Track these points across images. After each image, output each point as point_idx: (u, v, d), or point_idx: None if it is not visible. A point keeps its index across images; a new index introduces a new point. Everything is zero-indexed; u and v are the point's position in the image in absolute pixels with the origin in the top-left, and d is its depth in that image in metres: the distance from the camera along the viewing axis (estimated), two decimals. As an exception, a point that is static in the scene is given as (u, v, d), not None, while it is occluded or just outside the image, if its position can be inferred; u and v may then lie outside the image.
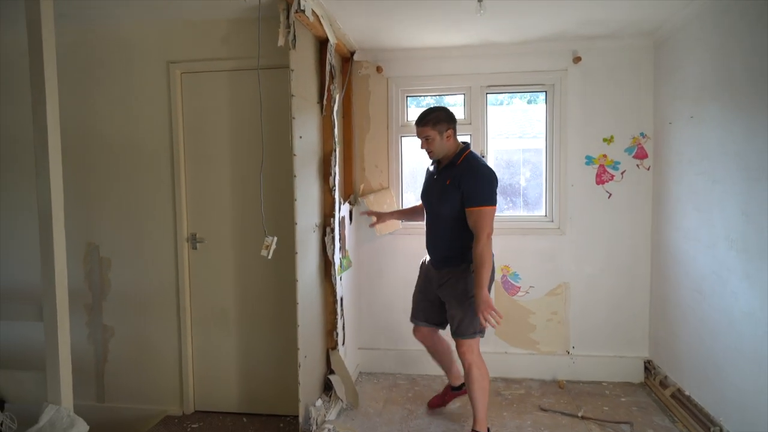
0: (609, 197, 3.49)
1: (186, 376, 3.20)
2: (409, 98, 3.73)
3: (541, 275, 3.61)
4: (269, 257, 2.27)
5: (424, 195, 2.92)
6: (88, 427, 2.35)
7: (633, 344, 3.54)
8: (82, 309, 3.23)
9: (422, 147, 2.77)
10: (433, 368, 3.72)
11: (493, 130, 3.67)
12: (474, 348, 2.75)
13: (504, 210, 3.76)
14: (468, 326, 2.72)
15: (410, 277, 3.71)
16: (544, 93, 3.56)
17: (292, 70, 2.70)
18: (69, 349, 2.37)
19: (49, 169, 2.25)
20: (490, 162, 3.67)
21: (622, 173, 3.46)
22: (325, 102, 3.14)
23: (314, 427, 2.83)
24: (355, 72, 3.64)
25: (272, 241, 2.24)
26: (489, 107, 3.62)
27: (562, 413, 3.11)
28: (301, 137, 2.80)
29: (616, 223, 3.49)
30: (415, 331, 3.10)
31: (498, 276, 3.65)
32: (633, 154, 3.44)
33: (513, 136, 3.82)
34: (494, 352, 3.68)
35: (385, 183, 3.72)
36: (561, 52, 3.44)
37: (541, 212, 3.66)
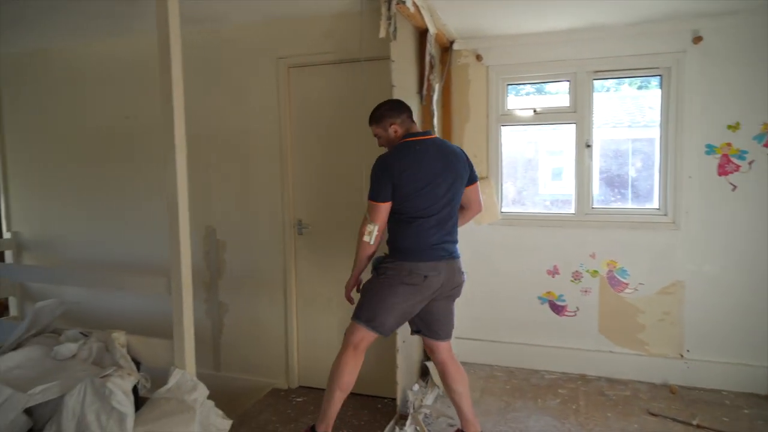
0: (733, 190, 3.19)
1: (291, 353, 3.41)
2: (509, 86, 3.66)
3: (651, 272, 3.39)
4: (371, 242, 2.36)
5: (433, 196, 2.63)
6: (208, 392, 2.59)
7: (759, 351, 3.21)
8: (201, 286, 3.55)
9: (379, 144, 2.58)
10: (532, 361, 3.66)
11: (600, 118, 3.50)
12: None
13: (611, 202, 3.57)
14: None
15: (508, 269, 3.68)
16: (659, 77, 3.32)
17: (393, 61, 2.77)
18: (192, 321, 2.62)
19: (175, 160, 2.49)
20: (596, 152, 3.50)
21: (749, 163, 3.14)
22: (424, 92, 3.18)
23: (411, 410, 2.90)
24: (454, 61, 3.64)
25: (374, 228, 2.33)
26: (595, 94, 3.45)
27: (674, 420, 2.91)
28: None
29: (740, 217, 3.18)
30: (369, 338, 2.52)
31: (604, 271, 3.48)
32: (763, 142, 3.12)
33: (621, 124, 3.61)
34: (597, 350, 3.53)
35: (484, 173, 3.68)
36: (679, 33, 3.19)
37: (653, 205, 3.43)
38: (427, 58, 3.12)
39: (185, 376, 2.58)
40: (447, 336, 2.65)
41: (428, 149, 2.42)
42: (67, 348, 2.58)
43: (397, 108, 2.51)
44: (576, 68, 3.43)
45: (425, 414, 2.96)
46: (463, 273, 2.60)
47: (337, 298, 3.27)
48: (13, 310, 4.23)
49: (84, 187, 3.90)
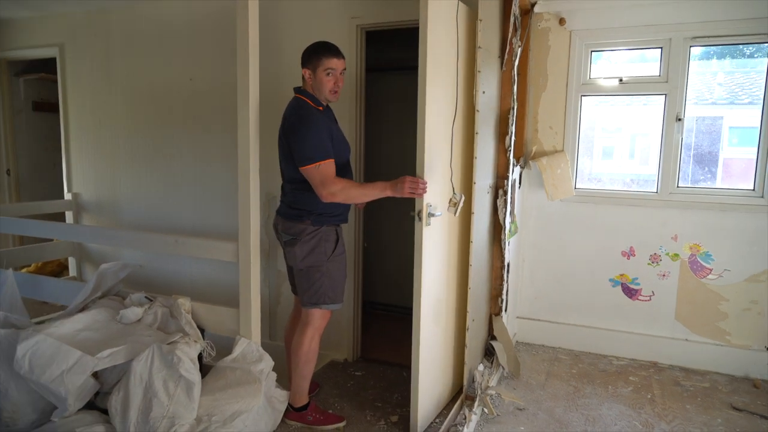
0: (844, 171, 2.89)
1: (350, 324, 3.30)
2: (593, 53, 3.38)
3: (740, 258, 3.14)
4: (456, 215, 2.19)
5: (345, 147, 2.48)
6: (273, 363, 2.51)
7: None
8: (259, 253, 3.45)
9: (338, 84, 2.39)
10: (599, 346, 3.49)
11: (692, 92, 3.21)
12: None
13: (699, 181, 3.31)
14: None
15: (579, 248, 3.48)
16: (767, 45, 3.00)
17: (481, 20, 2.54)
18: (258, 290, 2.53)
19: (248, 124, 2.37)
20: (687, 126, 3.23)
21: None
22: (506, 56, 2.94)
23: (479, 391, 2.77)
24: (534, 25, 3.37)
25: (460, 199, 2.15)
26: (691, 63, 3.16)
27: (762, 416, 2.72)
28: (484, 92, 2.65)
29: None
30: (329, 315, 2.59)
31: (686, 254, 3.25)
32: None
33: (717, 100, 3.30)
34: (672, 338, 3.33)
35: (559, 146, 3.45)
36: (795, -6, 2.86)
37: (748, 186, 3.15)
38: (512, 19, 2.87)
39: (251, 346, 2.51)
40: (301, 302, 2.55)
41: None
42: (133, 312, 2.52)
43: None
44: (671, 33, 3.12)
45: (491, 396, 2.83)
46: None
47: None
48: (72, 271, 4.25)
49: (144, 149, 3.83)
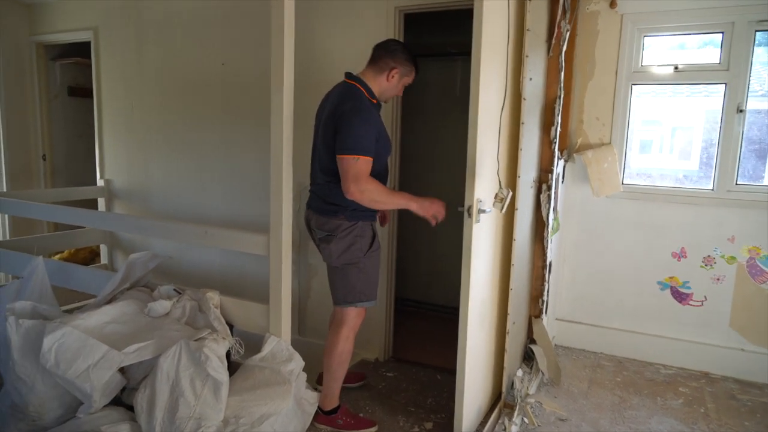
0: None
1: (382, 322, 3.17)
2: (646, 39, 3.15)
3: (805, 262, 2.90)
4: (502, 212, 2.03)
5: (390, 147, 2.43)
6: (303, 363, 2.40)
7: None
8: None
9: (400, 93, 2.42)
10: (645, 352, 3.29)
11: (757, 78, 2.96)
12: None
13: (760, 179, 3.06)
14: None
15: (625, 248, 3.27)
16: None
17: (530, 0, 2.36)
18: (290, 285, 2.42)
19: (282, 112, 2.25)
20: (748, 119, 2.98)
21: None
22: (553, 41, 2.76)
23: (518, 399, 2.62)
24: (582, 8, 3.16)
25: (507, 194, 1.99)
26: (756, 50, 2.91)
27: (830, 436, 2.50)
28: (531, 79, 2.47)
29: None
30: (364, 313, 2.48)
31: (743, 258, 3.02)
32: None
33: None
34: (726, 347, 3.10)
35: (606, 138, 3.24)
36: None
37: (817, 184, 2.91)
38: (561, 0, 2.68)
39: (281, 344, 2.40)
40: (335, 300, 2.46)
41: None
42: (161, 305, 2.43)
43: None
44: (734, 16, 2.88)
45: (531, 405, 2.67)
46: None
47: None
48: (103, 258, 4.23)
49: (176, 136, 3.76)
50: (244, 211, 3.50)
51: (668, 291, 3.21)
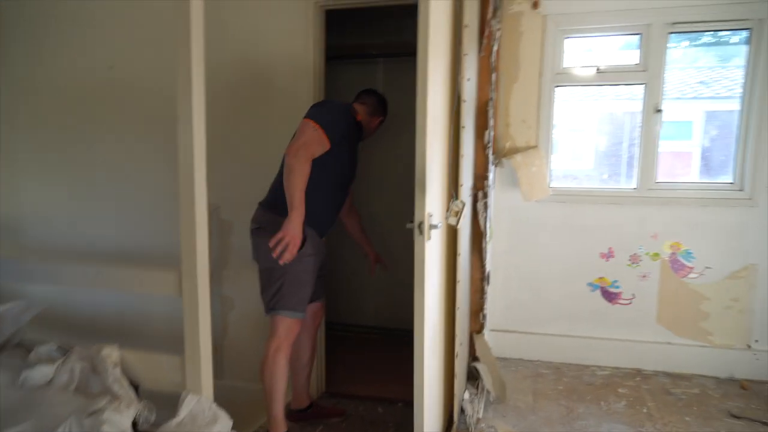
0: (822, 163, 2.83)
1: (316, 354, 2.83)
2: (567, 40, 3.12)
3: (721, 254, 3.01)
4: (458, 225, 1.81)
5: (353, 165, 2.46)
6: (231, 423, 2.01)
7: (834, 341, 2.94)
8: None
9: (371, 133, 2.56)
10: (580, 355, 3.26)
11: (672, 79, 3.04)
12: None
13: (676, 176, 3.16)
14: None
15: (555, 251, 3.23)
16: (747, 32, 2.87)
17: (465, -4, 2.17)
18: (209, 330, 2.02)
19: (192, 122, 1.84)
20: (666, 118, 3.05)
21: (843, 133, 2.78)
22: (484, 40, 2.60)
23: (471, 427, 2.42)
24: (505, 9, 3.05)
25: (462, 207, 1.77)
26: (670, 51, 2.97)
27: (763, 423, 2.58)
28: (469, 80, 2.28)
29: (828, 194, 2.84)
30: (296, 327, 2.32)
31: (666, 254, 3.09)
32: None
33: (695, 88, 3.16)
34: (654, 342, 3.16)
35: (533, 141, 3.17)
36: (776, -23, 2.75)
37: (728, 179, 3.03)
38: (491, -4, 2.53)
39: (202, 403, 1.98)
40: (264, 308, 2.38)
41: None
42: (41, 372, 1.92)
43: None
44: (651, 18, 2.92)
45: (485, 430, 2.49)
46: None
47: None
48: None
49: (53, 158, 3.04)
50: (145, 242, 2.95)
51: (598, 291, 3.22)
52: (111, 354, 2.02)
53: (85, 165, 3.02)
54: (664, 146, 3.06)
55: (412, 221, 1.85)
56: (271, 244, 2.05)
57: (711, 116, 3.14)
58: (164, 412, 1.96)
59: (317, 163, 2.14)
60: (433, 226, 1.86)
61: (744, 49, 2.90)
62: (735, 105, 2.95)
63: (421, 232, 1.80)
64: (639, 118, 3.04)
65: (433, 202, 1.91)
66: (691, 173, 3.21)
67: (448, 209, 1.83)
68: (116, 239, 2.99)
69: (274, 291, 2.22)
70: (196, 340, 1.96)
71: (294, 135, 2.21)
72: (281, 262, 2.06)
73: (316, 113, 2.21)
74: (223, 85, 2.71)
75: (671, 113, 3.09)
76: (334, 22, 2.88)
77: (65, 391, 1.92)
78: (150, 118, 2.86)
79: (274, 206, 2.24)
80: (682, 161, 3.08)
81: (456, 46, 2.19)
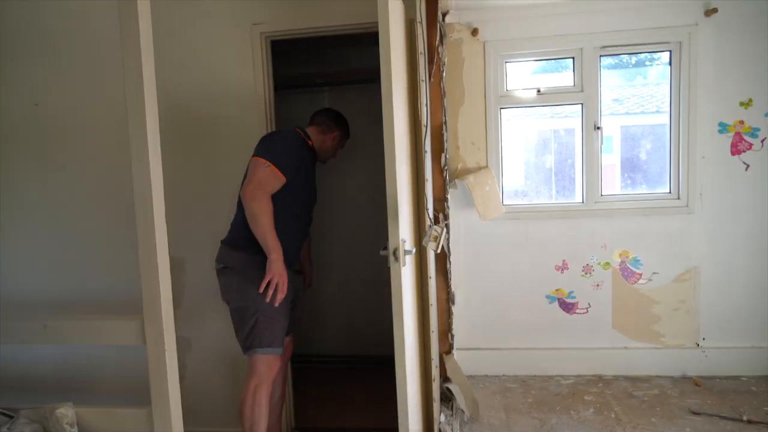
0: (746, 169, 3.07)
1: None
2: (508, 64, 3.26)
3: (666, 260, 3.19)
4: (437, 251, 1.81)
5: (312, 191, 2.43)
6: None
7: (772, 333, 3.16)
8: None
9: (332, 156, 2.54)
10: (544, 367, 3.33)
11: (608, 98, 3.23)
12: None
13: (621, 187, 3.34)
14: None
15: (513, 267, 3.31)
16: (669, 53, 3.12)
17: (420, 22, 2.22)
18: (178, 379, 1.90)
19: (148, 158, 1.76)
20: (608, 133, 3.23)
21: (762, 141, 3.04)
22: (434, 67, 2.67)
23: (453, 449, 2.40)
24: (446, 36, 3.15)
25: (441, 232, 1.78)
26: (603, 73, 3.17)
27: (721, 417, 2.71)
28: (426, 105, 2.33)
29: (754, 198, 3.08)
30: (276, 363, 2.26)
31: (616, 262, 3.24)
32: (773, 118, 3.04)
33: (631, 106, 3.38)
34: (612, 348, 3.28)
35: (483, 162, 3.26)
36: (690, 4, 3.00)
37: (665, 189, 3.24)
38: (438, 25, 2.61)
39: (174, 458, 1.85)
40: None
41: None
42: (-13, 442, 1.72)
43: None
44: (582, 43, 3.12)
45: (463, 450, 2.48)
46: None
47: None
48: None
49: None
50: (83, 287, 2.76)
51: (556, 303, 3.31)
52: (65, 414, 1.85)
53: (11, 210, 2.81)
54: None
55: (384, 248, 1.84)
56: (261, 290, 2.04)
57: (625, 131, 3.35)
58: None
59: (276, 198, 2.13)
60: (407, 252, 1.86)
61: (666, 69, 3.15)
62: (649, 119, 3.18)
63: (397, 258, 1.80)
64: (580, 136, 3.21)
65: (404, 228, 1.92)
66: (615, 185, 3.40)
67: (426, 234, 1.84)
68: (48, 287, 2.78)
69: (249, 330, 2.16)
70: (164, 390, 1.82)
71: (246, 174, 2.18)
72: (275, 304, 2.08)
73: (264, 150, 2.16)
74: (169, 117, 2.62)
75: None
76: (282, 52, 2.87)
77: (17, 461, 1.73)
78: (76, 157, 2.72)
79: (236, 245, 2.21)
80: (609, 174, 3.26)
81: (412, 73, 2.24)
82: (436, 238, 1.79)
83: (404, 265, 1.86)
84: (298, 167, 2.22)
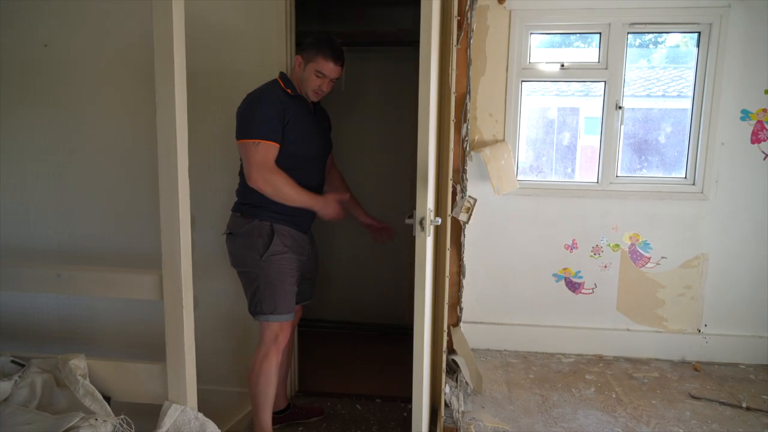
0: (765, 158, 3.05)
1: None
2: (533, 36, 3.18)
3: (675, 245, 3.19)
4: (468, 222, 1.77)
5: (310, 141, 2.20)
6: (219, 432, 1.88)
7: (774, 322, 3.19)
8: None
9: (323, 88, 2.15)
10: (545, 344, 3.35)
11: (631, 77, 3.17)
12: None
13: (636, 170, 3.31)
14: None
15: (522, 244, 3.29)
16: (697, 34, 3.05)
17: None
18: (193, 335, 1.87)
19: (174, 104, 1.68)
20: (626, 115, 3.18)
21: (783, 130, 3.02)
22: (462, 33, 2.59)
23: (459, 421, 2.41)
24: (476, 1, 3.05)
25: (474, 203, 1.73)
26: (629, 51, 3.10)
27: (720, 402, 2.75)
28: (454, 70, 2.26)
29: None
30: (284, 330, 2.21)
31: (626, 245, 3.23)
32: (794, 108, 3.00)
33: (650, 93, 3.32)
34: (614, 329, 3.30)
35: (500, 135, 3.20)
36: (725, -17, 2.93)
37: (681, 174, 3.21)
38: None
39: (187, 413, 1.84)
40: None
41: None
42: (-3, 389, 1.69)
43: None
44: (611, 18, 3.03)
45: (474, 425, 2.49)
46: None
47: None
48: None
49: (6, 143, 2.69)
50: (90, 243, 2.68)
51: (563, 282, 3.31)
52: (78, 365, 1.81)
53: (15, 153, 2.70)
54: (586, 141, 3.22)
55: (410, 216, 1.80)
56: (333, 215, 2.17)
57: (666, 113, 3.30)
58: (141, 424, 1.80)
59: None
60: (433, 222, 1.82)
61: (694, 52, 3.08)
62: (655, 103, 3.13)
63: (423, 228, 1.75)
64: (601, 114, 3.16)
65: (431, 199, 1.88)
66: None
67: (456, 205, 1.79)
68: (55, 238, 2.69)
69: (251, 295, 2.17)
70: (180, 346, 1.80)
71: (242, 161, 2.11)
72: (338, 218, 2.19)
73: (244, 129, 2.03)
74: (200, 71, 2.52)
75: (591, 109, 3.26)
76: (300, 10, 2.76)
77: (26, 409, 1.70)
78: (90, 102, 2.60)
79: (238, 210, 2.21)
80: (593, 155, 3.23)
81: (445, 37, 2.16)
82: (468, 210, 1.75)
83: (429, 235, 1.82)
84: (284, 123, 2.06)
